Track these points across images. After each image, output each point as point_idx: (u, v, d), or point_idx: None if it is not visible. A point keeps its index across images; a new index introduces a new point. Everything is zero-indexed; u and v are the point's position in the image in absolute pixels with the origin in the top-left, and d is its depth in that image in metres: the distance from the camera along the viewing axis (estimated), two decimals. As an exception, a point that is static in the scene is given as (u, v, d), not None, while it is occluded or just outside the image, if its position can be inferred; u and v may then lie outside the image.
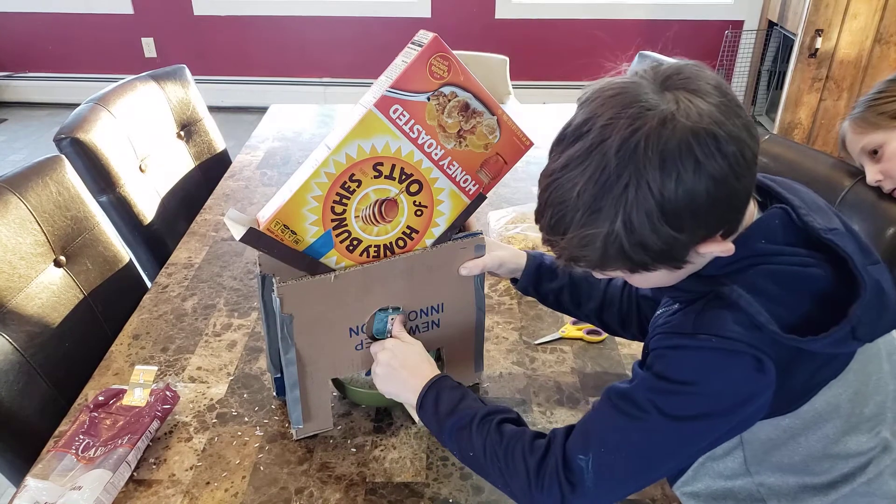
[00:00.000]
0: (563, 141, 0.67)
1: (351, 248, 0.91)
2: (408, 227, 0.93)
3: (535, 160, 1.90)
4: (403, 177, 0.89)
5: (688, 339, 0.69)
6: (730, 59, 4.12)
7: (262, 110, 2.38)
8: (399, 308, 0.97)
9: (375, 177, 0.87)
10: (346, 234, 0.90)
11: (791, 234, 0.70)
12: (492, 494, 0.91)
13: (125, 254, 1.46)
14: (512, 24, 4.18)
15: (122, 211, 1.56)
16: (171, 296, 1.32)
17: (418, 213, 0.92)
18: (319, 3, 4.18)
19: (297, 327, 0.90)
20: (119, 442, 0.93)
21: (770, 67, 4.06)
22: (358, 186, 0.87)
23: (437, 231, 0.95)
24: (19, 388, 1.09)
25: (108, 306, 1.34)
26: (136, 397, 1.00)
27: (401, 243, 0.94)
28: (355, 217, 0.89)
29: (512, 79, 2.71)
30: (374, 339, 0.98)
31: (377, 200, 0.89)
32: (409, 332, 0.99)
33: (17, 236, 1.18)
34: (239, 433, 1.00)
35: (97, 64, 4.42)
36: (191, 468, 0.95)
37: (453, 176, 0.91)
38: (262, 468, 0.95)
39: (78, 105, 1.59)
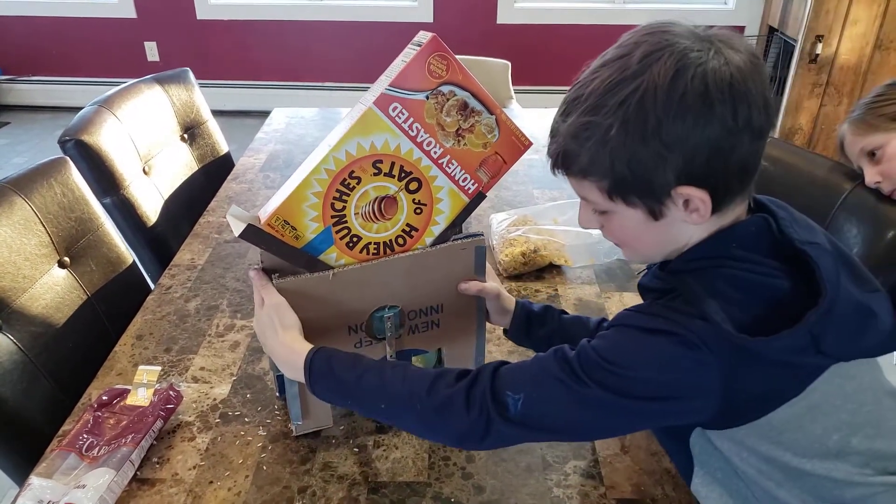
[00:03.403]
0: (604, 55, 0.71)
1: (351, 244, 0.91)
2: (407, 224, 0.93)
3: (537, 163, 1.92)
4: (403, 174, 0.89)
5: (636, 317, 0.72)
6: (730, 65, 4.14)
7: (264, 114, 2.39)
8: (397, 307, 0.97)
9: (375, 174, 0.88)
10: (345, 231, 0.90)
11: (765, 244, 0.71)
12: (493, 494, 0.92)
13: (129, 255, 1.47)
14: (514, 29, 4.20)
15: (125, 213, 1.57)
16: (174, 297, 1.33)
17: (418, 210, 0.93)
18: (322, 8, 4.20)
19: None
20: (123, 441, 0.94)
21: (771, 73, 4.07)
22: (358, 183, 0.88)
23: (436, 230, 0.95)
24: (23, 387, 1.09)
25: (111, 307, 1.35)
26: (140, 397, 1.01)
27: (401, 241, 0.94)
28: (355, 214, 0.90)
29: (514, 84, 2.73)
30: (375, 339, 0.98)
31: (377, 198, 0.90)
32: (408, 332, 1.00)
33: (21, 237, 1.19)
34: (242, 433, 1.01)
35: (100, 68, 4.43)
36: (194, 467, 0.95)
37: (452, 174, 0.92)
38: (264, 467, 0.95)
39: (81, 109, 1.60)
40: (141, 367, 1.05)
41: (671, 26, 0.69)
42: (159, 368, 1.08)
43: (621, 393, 0.69)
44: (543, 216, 1.52)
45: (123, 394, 1.02)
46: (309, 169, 0.86)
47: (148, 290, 1.39)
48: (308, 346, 0.84)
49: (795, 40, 3.46)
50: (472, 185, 0.94)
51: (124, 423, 0.98)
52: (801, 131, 3.59)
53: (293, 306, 0.89)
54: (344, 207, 0.89)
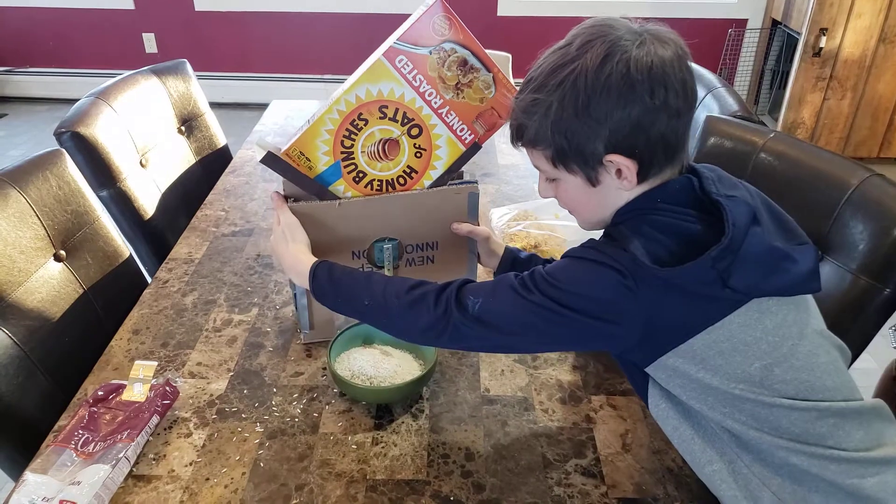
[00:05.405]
0: (556, 44, 0.85)
1: (357, 179, 1.05)
2: (408, 166, 1.06)
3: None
4: (405, 120, 1.02)
5: (581, 251, 0.83)
6: (733, 58, 4.11)
7: (262, 106, 2.38)
8: (396, 240, 1.10)
9: (381, 118, 1.01)
10: (353, 167, 1.03)
11: (686, 198, 0.81)
12: (492, 492, 0.91)
13: (125, 248, 1.45)
14: (515, 21, 4.18)
15: (122, 205, 1.55)
16: (171, 291, 1.32)
17: (418, 154, 1.05)
18: (321, 0, 4.17)
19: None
20: (118, 437, 0.93)
21: (773, 66, 4.06)
22: (365, 125, 1.01)
23: (434, 174, 1.07)
24: (19, 382, 1.08)
25: (108, 301, 1.33)
26: (136, 392, 1.00)
27: (402, 181, 1.07)
28: (362, 152, 1.02)
29: (515, 76, 2.70)
30: (375, 267, 1.12)
31: (381, 139, 1.02)
32: (405, 264, 1.14)
33: (17, 230, 1.18)
34: (239, 429, 1.00)
35: (98, 59, 4.41)
36: (190, 464, 0.94)
37: (451, 124, 1.04)
38: (262, 464, 0.94)
39: (78, 100, 1.58)
40: (137, 362, 1.04)
41: (611, 20, 0.81)
42: (156, 363, 1.06)
43: (559, 302, 0.79)
44: (544, 211, 1.50)
45: (119, 389, 1.01)
46: (324, 109, 0.99)
47: (144, 284, 1.38)
48: (313, 259, 0.98)
49: (799, 33, 3.44)
50: (469, 135, 1.05)
51: (120, 418, 0.97)
52: (804, 125, 3.57)
53: (305, 228, 1.02)
54: (352, 145, 1.01)
